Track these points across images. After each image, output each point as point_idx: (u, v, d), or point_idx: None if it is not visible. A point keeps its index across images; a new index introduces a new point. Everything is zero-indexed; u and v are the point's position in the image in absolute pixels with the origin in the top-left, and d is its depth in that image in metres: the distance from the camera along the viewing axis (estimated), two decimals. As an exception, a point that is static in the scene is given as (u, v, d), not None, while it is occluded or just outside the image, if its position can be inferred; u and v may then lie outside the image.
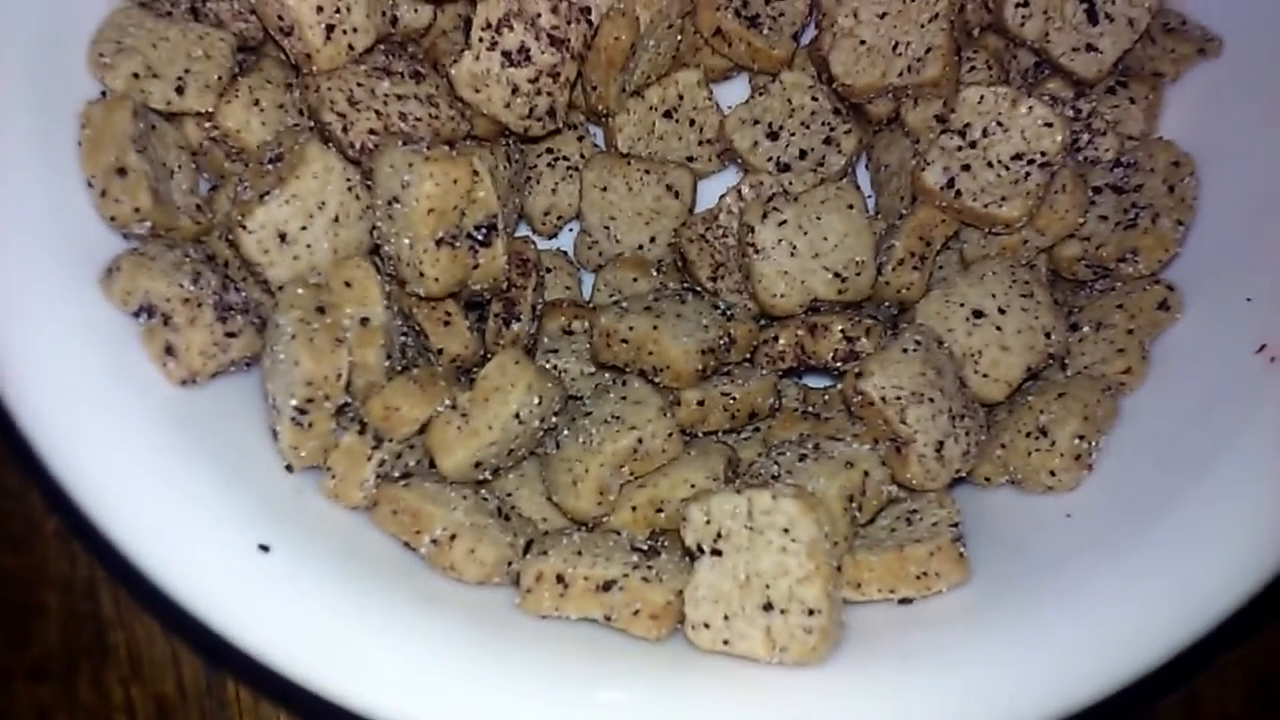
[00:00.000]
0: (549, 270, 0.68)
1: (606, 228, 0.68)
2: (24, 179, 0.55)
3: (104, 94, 0.58)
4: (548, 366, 0.62)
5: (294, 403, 0.54)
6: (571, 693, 0.49)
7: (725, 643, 0.51)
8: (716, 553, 0.51)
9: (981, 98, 0.62)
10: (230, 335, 0.56)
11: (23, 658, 0.68)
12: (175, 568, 0.49)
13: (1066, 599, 0.51)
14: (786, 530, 0.50)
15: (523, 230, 0.70)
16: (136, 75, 0.59)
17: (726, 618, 0.51)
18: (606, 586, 0.52)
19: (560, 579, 0.52)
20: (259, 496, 0.53)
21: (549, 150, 0.69)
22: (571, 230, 0.70)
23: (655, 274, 0.67)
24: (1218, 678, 0.69)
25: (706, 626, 0.51)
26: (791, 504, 0.50)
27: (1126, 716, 0.65)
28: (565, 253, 0.70)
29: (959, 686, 0.49)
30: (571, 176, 0.69)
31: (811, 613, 0.50)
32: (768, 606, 0.51)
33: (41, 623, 0.68)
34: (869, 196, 0.69)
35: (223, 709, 0.67)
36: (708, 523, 0.52)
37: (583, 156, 0.69)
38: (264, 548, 0.51)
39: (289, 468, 0.55)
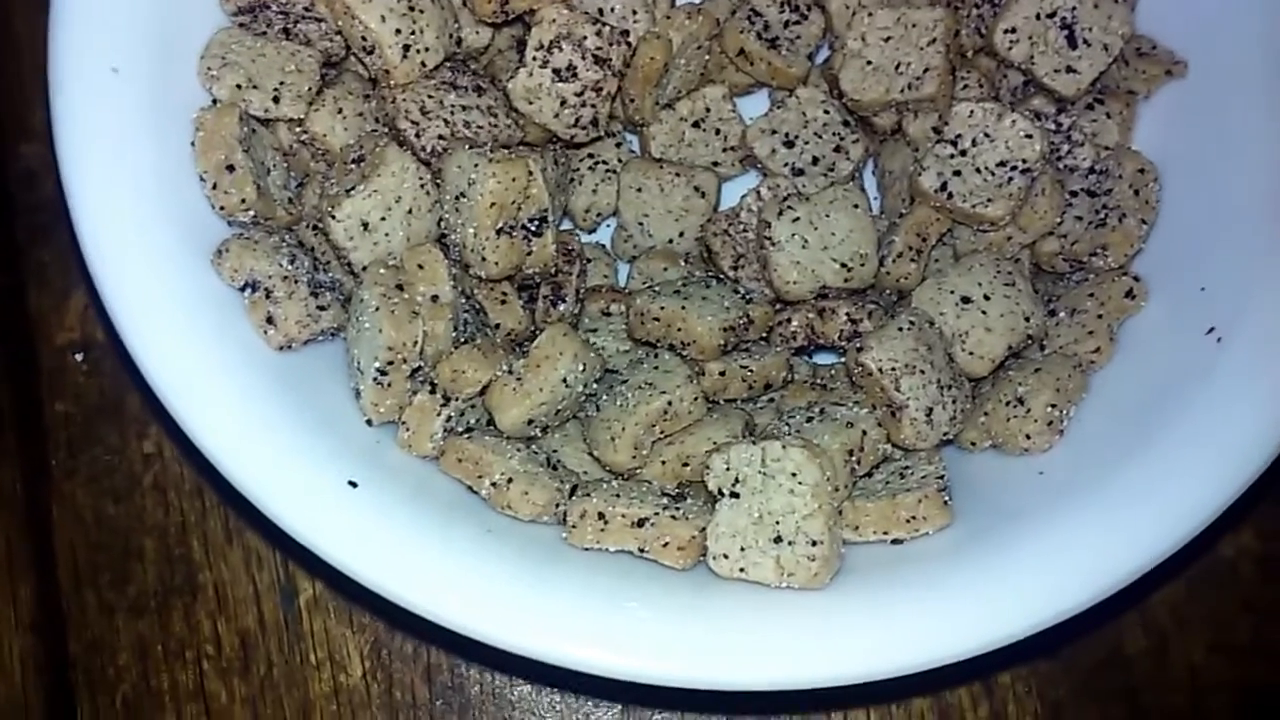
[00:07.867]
0: (589, 261, 0.76)
1: (640, 224, 0.76)
2: (147, 175, 0.62)
3: (214, 102, 0.67)
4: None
5: (376, 365, 0.62)
6: (609, 603, 0.57)
7: (741, 570, 0.59)
8: (734, 495, 0.59)
9: (971, 112, 0.70)
10: (321, 308, 0.65)
11: (124, 595, 0.75)
12: (280, 498, 0.57)
13: (1035, 538, 0.59)
14: (794, 474, 0.58)
15: (565, 225, 0.78)
16: (239, 86, 0.66)
17: (742, 549, 0.59)
18: (641, 523, 0.60)
19: (601, 516, 0.60)
20: (346, 443, 0.61)
21: (590, 155, 0.77)
22: (609, 226, 0.77)
23: (683, 264, 0.74)
24: (1182, 631, 0.77)
25: (726, 557, 0.59)
26: (798, 452, 0.58)
27: (1081, 635, 0.74)
28: (604, 246, 0.77)
29: (939, 606, 0.57)
30: (610, 179, 0.76)
31: (814, 544, 0.58)
32: (777, 539, 0.59)
33: (140, 564, 0.76)
34: (875, 199, 0.77)
35: (299, 640, 0.75)
36: (727, 469, 0.60)
37: (620, 161, 0.76)
38: (352, 484, 0.59)
39: (369, 422, 0.63)
